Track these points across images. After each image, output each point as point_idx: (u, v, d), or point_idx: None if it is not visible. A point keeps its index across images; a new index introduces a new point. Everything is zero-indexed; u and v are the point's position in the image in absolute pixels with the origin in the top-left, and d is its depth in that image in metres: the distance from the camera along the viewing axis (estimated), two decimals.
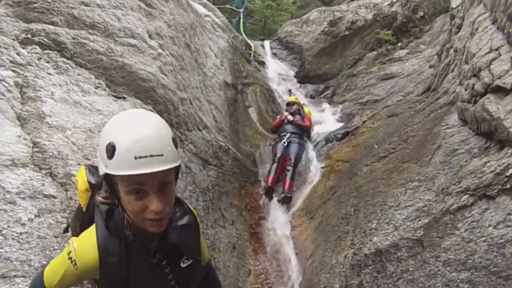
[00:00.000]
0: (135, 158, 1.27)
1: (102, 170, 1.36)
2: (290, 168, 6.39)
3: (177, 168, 1.42)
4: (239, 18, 13.07)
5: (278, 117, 7.68)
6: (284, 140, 6.84)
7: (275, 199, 6.12)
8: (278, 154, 6.61)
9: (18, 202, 2.63)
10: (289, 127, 7.15)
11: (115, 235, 1.42)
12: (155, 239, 1.50)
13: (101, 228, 1.43)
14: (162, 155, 1.31)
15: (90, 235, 1.45)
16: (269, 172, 6.41)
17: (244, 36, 11.83)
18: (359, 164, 5.56)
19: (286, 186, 6.14)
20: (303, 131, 7.27)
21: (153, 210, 1.32)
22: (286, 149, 6.71)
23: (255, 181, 6.45)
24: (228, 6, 14.28)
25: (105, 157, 1.32)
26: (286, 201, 6.01)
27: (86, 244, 1.43)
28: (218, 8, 11.68)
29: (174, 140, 1.39)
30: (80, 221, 1.67)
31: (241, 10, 13.11)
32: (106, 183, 1.42)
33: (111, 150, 1.29)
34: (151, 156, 1.28)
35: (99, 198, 1.47)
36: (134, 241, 1.44)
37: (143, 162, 1.27)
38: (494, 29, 4.04)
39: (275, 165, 6.47)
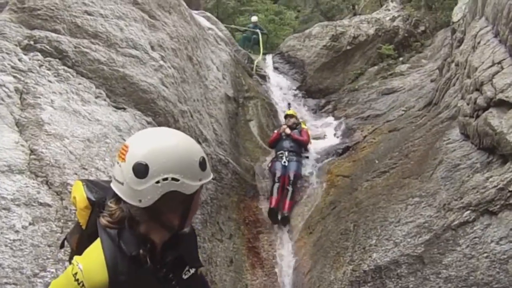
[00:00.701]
0: None
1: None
2: (289, 187, 6.31)
3: None
4: (252, 36, 13.76)
5: (276, 131, 7.61)
6: (284, 160, 6.76)
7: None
8: (278, 174, 6.50)
9: (12, 208, 2.60)
10: (286, 144, 7.02)
11: (128, 255, 1.40)
12: (159, 251, 1.50)
13: (109, 247, 1.41)
14: None
15: (95, 254, 1.41)
16: (271, 193, 6.28)
17: (261, 53, 12.22)
18: (359, 179, 5.50)
19: (286, 207, 6.05)
20: (301, 147, 7.18)
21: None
22: (284, 168, 6.62)
23: (254, 195, 6.37)
24: (233, 25, 14.73)
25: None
26: (284, 222, 5.92)
27: (93, 264, 1.39)
28: (228, 26, 12.08)
29: None
30: (78, 237, 1.62)
31: (261, 31, 13.77)
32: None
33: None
34: None
35: (104, 221, 1.45)
36: (143, 257, 1.42)
37: None
38: (496, 42, 4.04)
39: (276, 185, 6.35)
